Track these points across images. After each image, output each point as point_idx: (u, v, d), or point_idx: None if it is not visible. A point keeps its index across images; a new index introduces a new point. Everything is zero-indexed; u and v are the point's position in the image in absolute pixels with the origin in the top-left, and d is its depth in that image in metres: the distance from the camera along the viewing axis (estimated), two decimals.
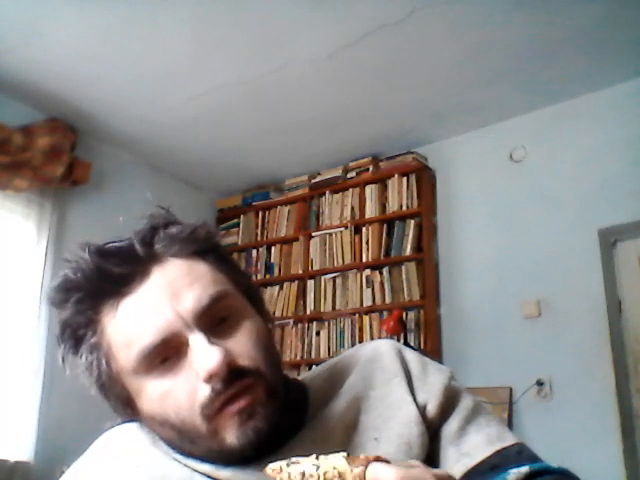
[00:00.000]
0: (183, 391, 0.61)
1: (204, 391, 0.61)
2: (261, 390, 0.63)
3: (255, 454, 0.62)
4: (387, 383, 0.72)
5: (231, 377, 0.61)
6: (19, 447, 3.03)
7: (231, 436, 0.61)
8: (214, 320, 0.64)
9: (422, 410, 0.70)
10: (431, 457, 0.68)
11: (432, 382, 0.72)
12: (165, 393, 0.62)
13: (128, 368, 0.63)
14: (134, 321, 0.63)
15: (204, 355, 0.60)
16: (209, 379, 0.60)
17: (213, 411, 0.61)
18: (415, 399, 0.70)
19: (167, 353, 0.62)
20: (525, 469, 0.62)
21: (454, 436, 0.69)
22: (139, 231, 0.67)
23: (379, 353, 0.75)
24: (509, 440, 0.69)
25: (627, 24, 2.75)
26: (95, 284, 0.64)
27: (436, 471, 0.51)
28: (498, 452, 0.67)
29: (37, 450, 3.06)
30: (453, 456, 0.68)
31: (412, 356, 0.76)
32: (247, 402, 0.61)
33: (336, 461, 0.51)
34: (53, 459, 2.96)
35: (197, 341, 0.61)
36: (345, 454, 0.51)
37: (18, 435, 3.05)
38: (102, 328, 0.65)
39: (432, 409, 0.70)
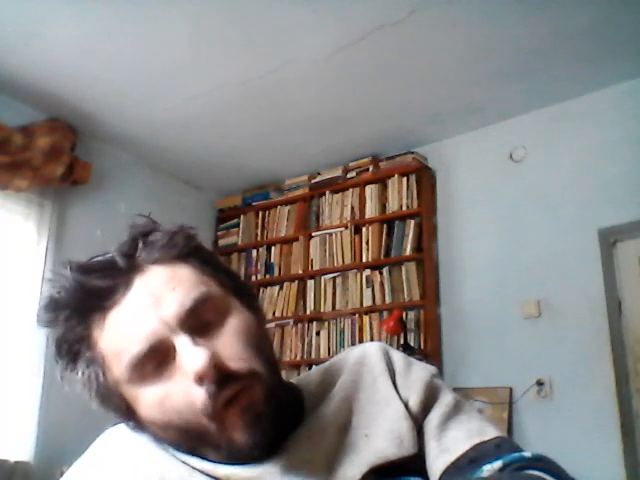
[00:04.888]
0: (179, 395, 0.62)
1: (199, 394, 0.61)
2: (259, 391, 0.63)
3: (260, 454, 0.63)
4: (374, 383, 0.74)
5: (224, 380, 0.61)
6: (19, 447, 3.03)
7: (239, 436, 0.61)
8: (199, 323, 0.64)
9: (406, 406, 0.71)
10: (420, 452, 0.69)
11: (414, 378, 0.74)
12: (161, 399, 0.62)
13: (122, 378, 0.64)
14: (121, 332, 0.64)
15: (190, 357, 0.60)
16: (200, 381, 0.60)
17: (214, 411, 0.61)
18: (399, 395, 0.72)
19: (157, 359, 0.62)
20: (498, 464, 0.64)
21: (435, 431, 0.70)
22: (120, 244, 0.68)
23: (366, 355, 0.77)
24: (489, 434, 0.69)
25: (627, 24, 2.75)
26: (79, 301, 0.65)
27: None
28: (476, 446, 0.67)
29: (37, 450, 3.06)
30: (434, 452, 0.69)
31: (398, 356, 0.78)
32: (246, 401, 0.62)
33: None
34: (53, 459, 2.96)
35: (182, 343, 0.62)
36: None
37: (18, 435, 3.05)
38: (94, 342, 0.66)
39: (414, 405, 0.72)
